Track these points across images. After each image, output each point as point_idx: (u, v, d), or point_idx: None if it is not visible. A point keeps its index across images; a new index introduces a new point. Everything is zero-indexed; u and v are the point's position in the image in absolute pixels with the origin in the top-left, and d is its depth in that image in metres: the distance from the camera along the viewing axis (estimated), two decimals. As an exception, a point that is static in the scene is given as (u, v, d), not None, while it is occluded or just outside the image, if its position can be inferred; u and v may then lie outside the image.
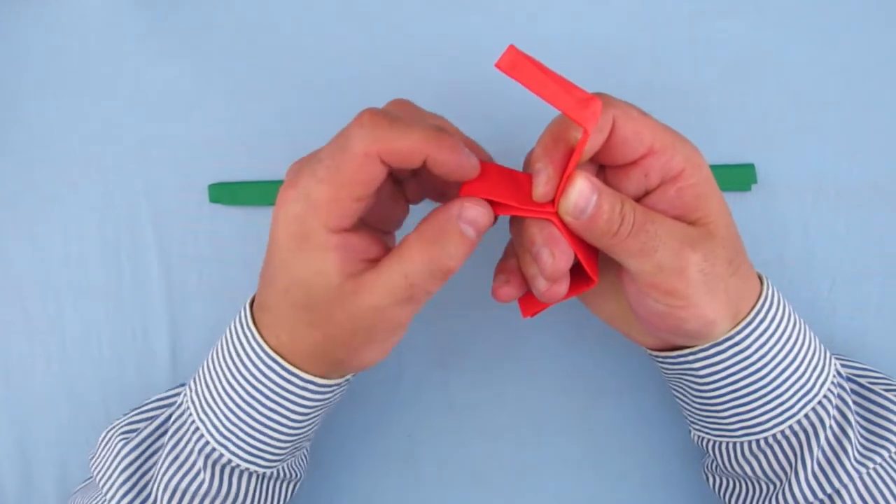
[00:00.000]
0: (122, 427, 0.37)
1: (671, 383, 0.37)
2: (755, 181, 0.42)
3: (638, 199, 0.32)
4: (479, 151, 0.34)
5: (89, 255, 0.43)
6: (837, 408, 0.34)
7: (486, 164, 0.31)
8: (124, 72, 0.43)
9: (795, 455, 0.34)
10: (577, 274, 0.32)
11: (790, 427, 0.34)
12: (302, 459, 0.38)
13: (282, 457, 0.35)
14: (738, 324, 0.33)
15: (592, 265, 0.32)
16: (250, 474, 0.35)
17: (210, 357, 0.35)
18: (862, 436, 0.35)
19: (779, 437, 0.34)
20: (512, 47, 0.27)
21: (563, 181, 0.30)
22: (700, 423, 0.37)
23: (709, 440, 0.37)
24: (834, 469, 0.34)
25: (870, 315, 0.42)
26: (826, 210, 0.42)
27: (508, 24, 0.43)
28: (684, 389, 0.36)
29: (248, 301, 0.34)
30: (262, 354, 0.32)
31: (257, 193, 0.42)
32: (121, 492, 0.34)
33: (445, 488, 0.43)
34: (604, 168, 0.33)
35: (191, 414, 0.34)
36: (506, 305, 0.42)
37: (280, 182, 0.32)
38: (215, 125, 0.43)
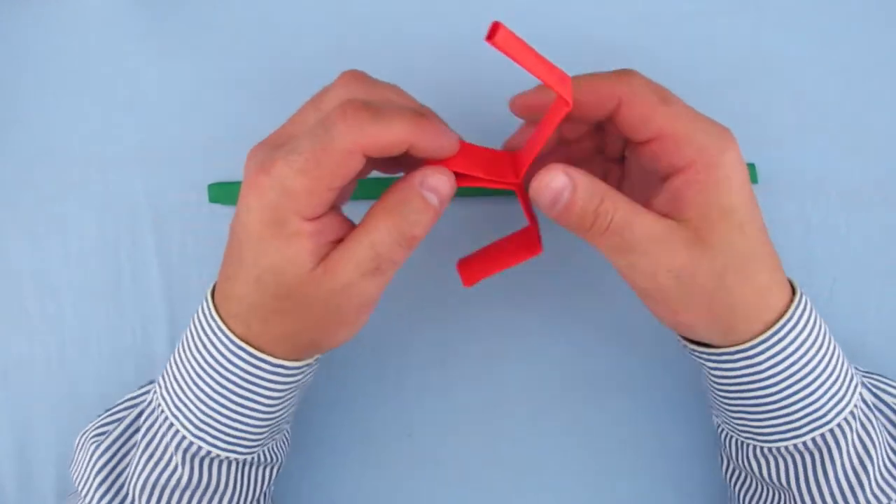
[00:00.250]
0: (93, 430, 0.36)
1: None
2: (756, 181, 0.42)
3: (653, 182, 0.32)
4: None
5: (89, 255, 0.43)
6: (858, 433, 0.33)
7: (465, 143, 0.32)
8: (124, 72, 0.43)
9: (806, 470, 0.34)
10: (529, 241, 0.33)
11: (795, 445, 0.33)
12: (282, 443, 0.38)
13: (261, 441, 0.35)
14: (753, 338, 0.32)
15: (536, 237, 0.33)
16: (230, 462, 0.35)
17: (176, 352, 0.35)
18: (891, 460, 0.34)
19: (783, 451, 0.34)
20: (498, 23, 0.27)
21: (535, 148, 0.31)
22: (715, 410, 0.37)
23: (721, 430, 0.37)
24: (854, 493, 0.33)
25: (870, 315, 0.42)
26: (827, 210, 0.42)
27: (508, 24, 0.42)
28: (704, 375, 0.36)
29: (209, 291, 0.34)
30: (228, 344, 0.32)
31: (257, 193, 0.42)
32: (98, 494, 0.34)
33: (445, 488, 0.43)
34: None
35: (163, 410, 0.34)
36: (505, 305, 0.43)
37: None
38: (215, 125, 0.43)
